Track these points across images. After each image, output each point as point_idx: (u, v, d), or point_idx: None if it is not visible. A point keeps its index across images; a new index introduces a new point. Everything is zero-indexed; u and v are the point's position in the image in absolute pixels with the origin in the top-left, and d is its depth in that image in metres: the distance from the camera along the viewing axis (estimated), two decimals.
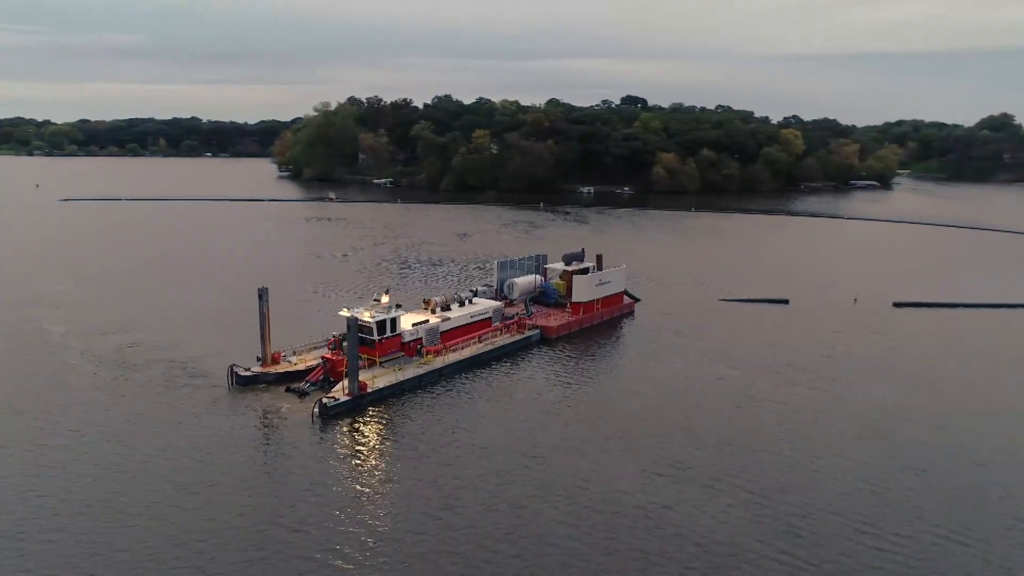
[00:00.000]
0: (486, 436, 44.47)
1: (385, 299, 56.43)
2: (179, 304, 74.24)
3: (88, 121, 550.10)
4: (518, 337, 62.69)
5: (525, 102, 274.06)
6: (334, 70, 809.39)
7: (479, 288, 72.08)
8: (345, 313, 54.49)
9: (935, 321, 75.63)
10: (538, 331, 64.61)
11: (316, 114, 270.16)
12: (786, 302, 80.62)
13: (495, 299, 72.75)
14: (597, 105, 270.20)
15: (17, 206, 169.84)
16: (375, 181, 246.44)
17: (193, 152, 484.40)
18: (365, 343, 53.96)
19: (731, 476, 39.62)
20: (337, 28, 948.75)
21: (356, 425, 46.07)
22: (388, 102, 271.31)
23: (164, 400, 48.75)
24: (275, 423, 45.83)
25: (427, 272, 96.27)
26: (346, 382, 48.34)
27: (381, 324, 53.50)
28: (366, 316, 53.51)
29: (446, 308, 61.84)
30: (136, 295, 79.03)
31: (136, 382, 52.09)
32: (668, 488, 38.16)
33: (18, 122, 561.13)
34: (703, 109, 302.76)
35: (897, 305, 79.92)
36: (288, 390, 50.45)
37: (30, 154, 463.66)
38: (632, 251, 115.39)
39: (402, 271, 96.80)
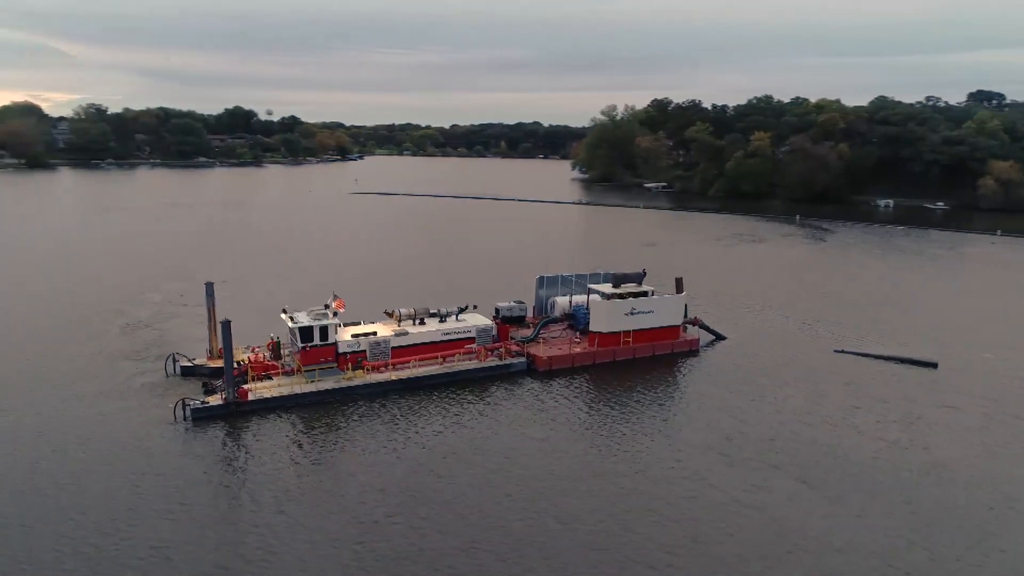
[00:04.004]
0: (314, 472, 39.38)
1: (335, 305, 53.70)
2: (283, 292, 78.72)
3: (458, 125, 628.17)
4: (492, 363, 54.70)
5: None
6: (701, 73, 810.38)
7: (509, 303, 64.53)
8: (283, 316, 53.23)
9: None
10: (524, 360, 55.64)
11: (604, 118, 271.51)
12: (933, 366, 57.79)
13: (533, 317, 65.07)
14: (920, 102, 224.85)
15: (320, 197, 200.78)
16: (646, 185, 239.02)
17: (527, 154, 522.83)
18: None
19: None
20: (713, 32, 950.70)
21: (218, 433, 43.88)
22: (674, 104, 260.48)
23: (89, 373, 52.53)
24: (145, 416, 45.80)
25: (503, 279, 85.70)
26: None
27: (305, 331, 50.71)
28: (289, 322, 51.42)
29: (420, 322, 56.63)
30: (267, 280, 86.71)
31: (102, 354, 56.93)
32: None
33: (406, 127, 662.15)
34: None
35: None
36: (204, 385, 50.68)
37: (400, 154, 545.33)
38: (811, 280, 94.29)
39: (496, 275, 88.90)
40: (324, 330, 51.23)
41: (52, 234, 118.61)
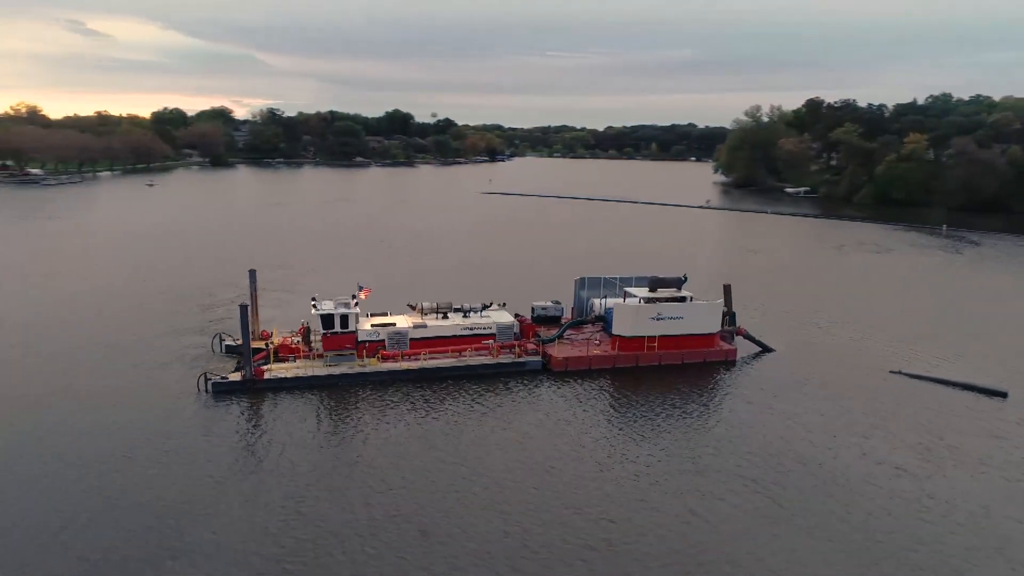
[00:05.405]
0: (292, 446, 42.34)
1: (362, 295, 56.62)
2: (349, 281, 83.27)
3: (612, 127, 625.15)
4: (506, 360, 55.16)
5: None
6: (874, 73, 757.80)
7: (545, 303, 64.62)
8: (311, 303, 56.77)
9: None
10: (539, 359, 55.60)
11: (747, 119, 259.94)
12: (1003, 395, 51.05)
13: (571, 318, 64.73)
14: None
15: (452, 196, 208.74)
16: (787, 189, 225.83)
17: (679, 156, 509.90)
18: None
19: None
20: (898, 28, 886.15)
21: (231, 406, 47.96)
22: (826, 103, 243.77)
23: (154, 344, 58.96)
24: (176, 386, 50.54)
25: (558, 279, 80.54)
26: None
27: (327, 319, 53.91)
28: (313, 310, 54.81)
29: (443, 316, 58.21)
30: (345, 271, 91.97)
31: (174, 328, 63.38)
32: None
33: (561, 129, 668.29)
34: None
35: None
36: (238, 363, 55.11)
37: (551, 155, 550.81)
38: (908, 295, 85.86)
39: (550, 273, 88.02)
40: (344, 318, 54.19)
41: (199, 221, 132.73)
